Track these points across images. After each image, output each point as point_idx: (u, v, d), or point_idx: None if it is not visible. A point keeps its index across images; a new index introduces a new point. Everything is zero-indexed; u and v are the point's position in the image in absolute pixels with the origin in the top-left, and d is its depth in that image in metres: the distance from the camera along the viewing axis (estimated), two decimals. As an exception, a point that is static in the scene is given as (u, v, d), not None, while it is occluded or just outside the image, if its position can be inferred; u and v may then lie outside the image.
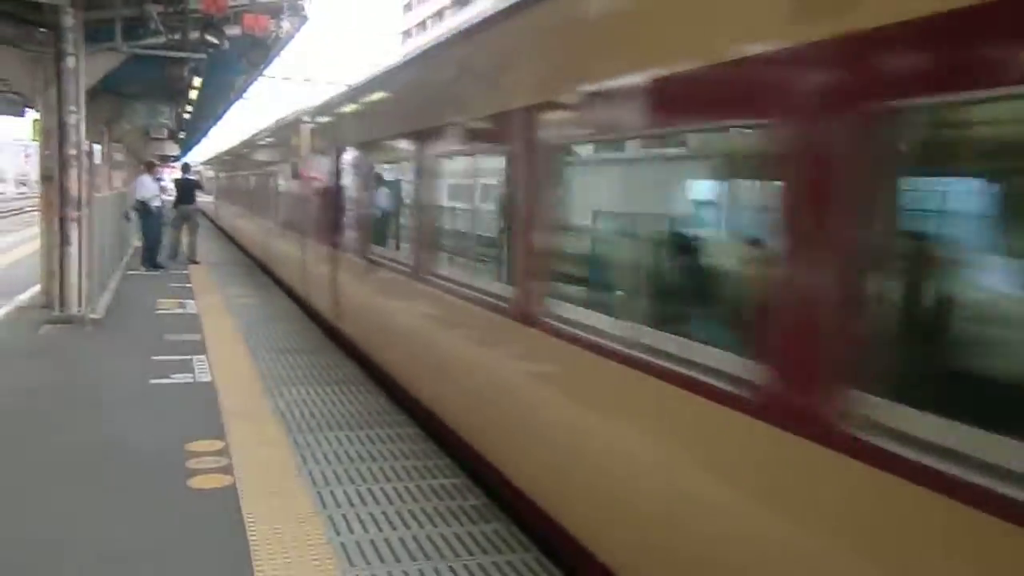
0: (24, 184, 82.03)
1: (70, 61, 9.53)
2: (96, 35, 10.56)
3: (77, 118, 9.77)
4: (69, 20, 9.42)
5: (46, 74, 10.14)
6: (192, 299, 12.30)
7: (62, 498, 4.77)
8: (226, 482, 5.01)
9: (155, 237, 16.21)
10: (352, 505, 4.73)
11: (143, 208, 15.67)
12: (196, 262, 16.91)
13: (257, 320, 10.75)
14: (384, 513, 4.63)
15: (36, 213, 25.27)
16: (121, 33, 10.71)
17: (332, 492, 4.91)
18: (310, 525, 4.43)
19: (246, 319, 10.76)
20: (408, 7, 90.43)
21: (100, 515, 4.56)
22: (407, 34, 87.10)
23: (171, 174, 26.40)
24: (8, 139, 69.18)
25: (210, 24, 10.05)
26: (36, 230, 17.66)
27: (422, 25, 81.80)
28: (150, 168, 17.00)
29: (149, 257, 15.98)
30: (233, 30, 10.51)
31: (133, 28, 10.91)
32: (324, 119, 10.33)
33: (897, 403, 2.22)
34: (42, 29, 10.06)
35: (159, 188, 16.77)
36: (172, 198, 17.99)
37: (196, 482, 5.01)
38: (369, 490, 4.96)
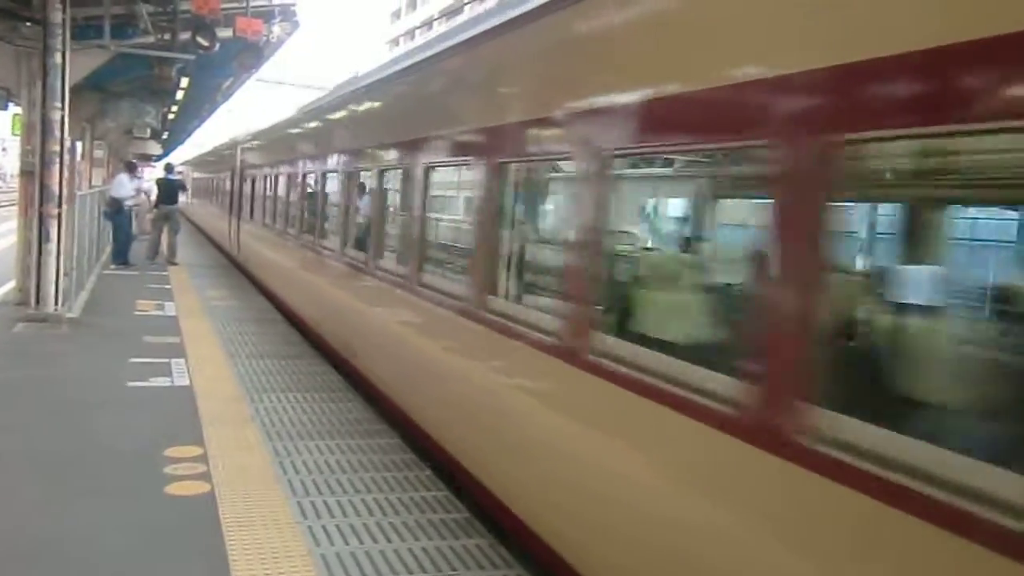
0: (0, 179, 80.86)
1: (57, 57, 9.42)
2: (84, 32, 10.49)
3: (61, 114, 9.66)
4: (58, 16, 9.32)
5: (31, 69, 10.04)
6: (171, 300, 12.16)
7: (35, 502, 4.68)
8: (204, 489, 4.94)
9: (126, 234, 16.33)
10: (332, 516, 4.68)
11: (116, 206, 15.58)
12: (175, 263, 16.75)
13: (236, 323, 10.65)
14: (365, 525, 4.59)
15: (11, 208, 24.70)
16: (110, 31, 10.62)
17: (312, 502, 4.85)
18: (290, 535, 4.38)
19: (225, 322, 10.65)
20: (396, 15, 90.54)
21: (74, 521, 4.47)
22: (394, 43, 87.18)
23: (151, 173, 25.69)
24: (-15, 132, 68.09)
25: (201, 26, 9.99)
26: (11, 225, 17.42)
27: (410, 34, 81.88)
28: (130, 168, 16.86)
29: (119, 253, 16.06)
30: (225, 33, 10.47)
31: (122, 26, 10.83)
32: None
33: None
34: (29, 24, 9.96)
35: (136, 189, 16.64)
36: (150, 197, 18.18)
37: (173, 489, 4.93)
38: (350, 501, 4.91)
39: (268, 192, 13.76)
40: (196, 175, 33.74)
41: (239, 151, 18.19)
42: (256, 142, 16.48)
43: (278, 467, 5.40)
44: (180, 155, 41.52)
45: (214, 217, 23.79)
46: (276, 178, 13.08)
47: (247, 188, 16.47)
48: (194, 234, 26.65)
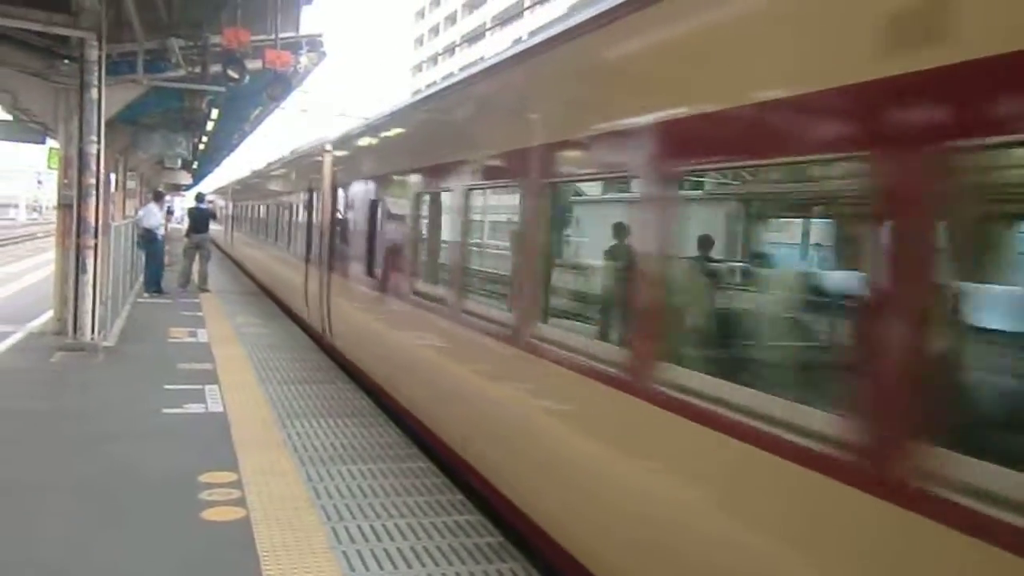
0: (36, 211, 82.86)
1: (93, 93, 9.70)
2: (119, 67, 10.78)
3: (97, 148, 9.91)
4: (94, 53, 9.61)
5: (69, 104, 10.32)
6: (203, 327, 12.33)
7: (74, 527, 4.76)
8: (240, 515, 4.99)
9: (159, 263, 16.61)
10: (367, 541, 4.70)
11: (149, 236, 15.92)
12: (206, 290, 17.00)
13: (267, 348, 10.77)
14: (399, 549, 4.60)
15: (47, 239, 25.18)
16: (143, 66, 10.91)
17: (346, 527, 4.88)
18: (325, 561, 4.41)
19: (256, 347, 10.79)
20: (419, 41, 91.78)
21: (114, 545, 4.54)
22: (418, 69, 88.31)
23: (181, 202, 26.04)
24: (22, 166, 69.93)
25: (231, 59, 10.23)
26: (47, 256, 17.83)
27: (433, 60, 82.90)
28: (157, 198, 17.50)
29: (152, 281, 16.34)
30: (254, 64, 10.71)
31: (155, 61, 11.12)
32: None
33: None
34: (66, 61, 10.26)
35: (164, 216, 17.12)
36: (181, 225, 18.45)
37: (210, 514, 4.99)
38: (383, 526, 4.94)
39: (425, 230, 7.43)
40: (236, 203, 26.18)
41: (329, 160, 11.15)
42: (373, 140, 9.47)
43: (312, 492, 5.45)
44: (211, 183, 41.82)
45: (274, 262, 16.45)
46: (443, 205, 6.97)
47: (359, 219, 9.28)
48: (224, 261, 26.44)
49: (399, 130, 8.65)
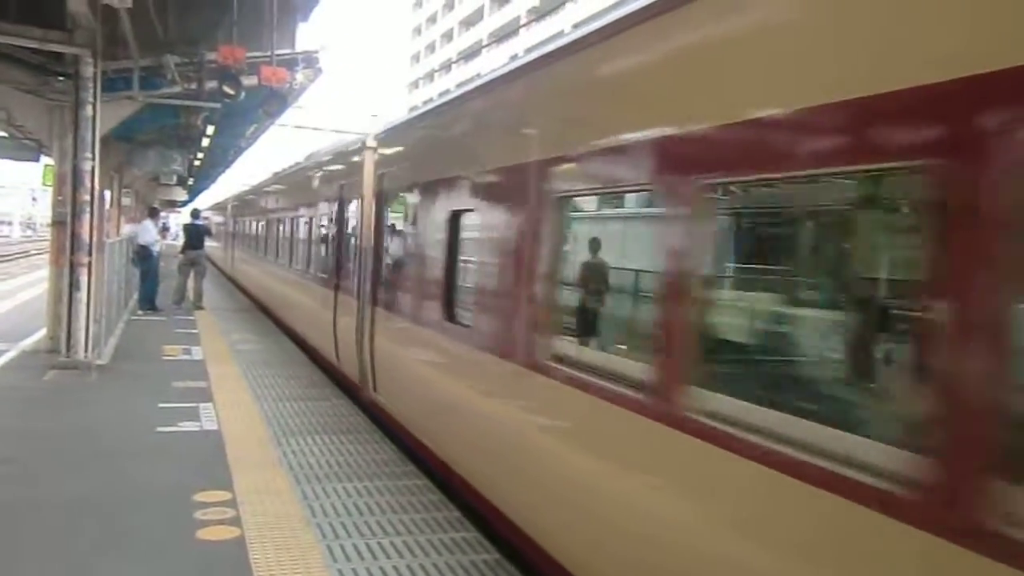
0: (30, 227, 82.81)
1: (88, 109, 9.69)
2: (114, 84, 10.78)
3: (92, 164, 9.89)
4: (89, 70, 9.61)
5: (63, 121, 10.31)
6: (198, 345, 12.27)
7: (67, 546, 4.70)
8: (234, 534, 4.93)
9: (154, 280, 16.55)
10: (363, 559, 4.65)
11: (144, 253, 15.89)
12: (201, 307, 16.94)
13: (262, 366, 10.72)
14: (395, 568, 4.55)
15: (41, 256, 25.05)
16: (139, 82, 10.92)
17: (342, 545, 4.83)
18: (320, 580, 4.36)
19: (251, 365, 10.73)
20: (415, 58, 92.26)
21: (107, 565, 4.48)
22: (414, 85, 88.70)
23: (177, 219, 26.04)
24: (17, 183, 69.94)
25: (227, 76, 10.24)
26: (41, 273, 17.76)
27: (429, 77, 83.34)
28: (152, 214, 17.55)
29: (147, 299, 16.28)
30: (250, 81, 10.72)
31: (150, 77, 11.13)
32: None
33: None
34: (61, 78, 10.26)
35: (159, 232, 17.16)
36: (175, 241, 18.47)
37: (204, 533, 4.93)
38: (379, 544, 4.88)
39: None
40: (238, 219, 23.25)
41: (371, 160, 8.69)
42: (448, 128, 6.87)
43: (307, 510, 5.39)
44: (207, 199, 41.67)
45: (286, 288, 13.93)
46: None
47: (423, 236, 6.89)
48: (218, 277, 26.30)
49: (496, 110, 5.69)
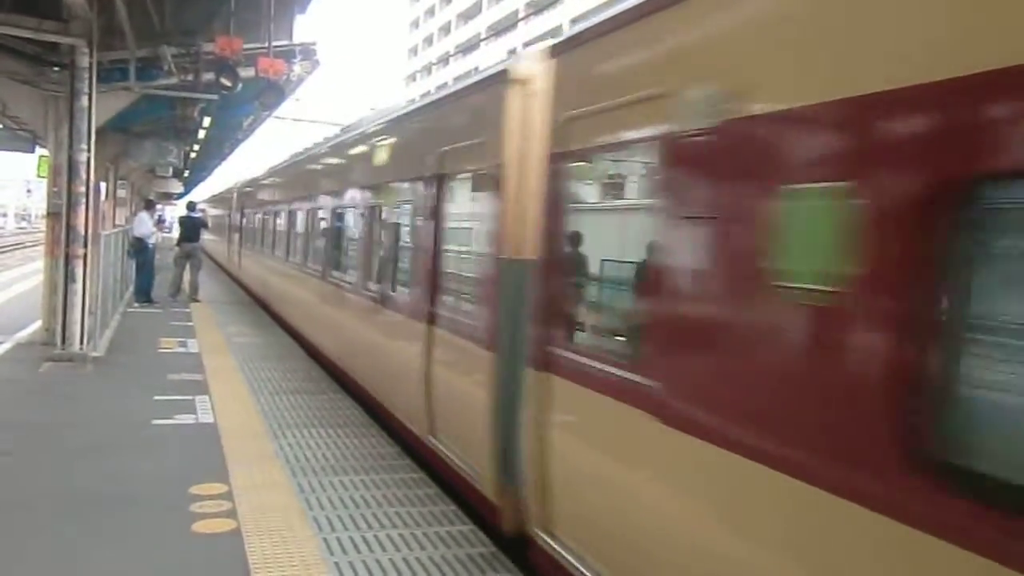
0: (25, 219, 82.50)
1: (84, 100, 9.63)
2: (110, 75, 10.72)
3: (87, 156, 9.85)
4: (85, 60, 9.55)
5: (58, 112, 10.26)
6: (194, 337, 12.24)
7: (63, 539, 4.68)
8: (231, 526, 4.92)
9: (149, 272, 16.50)
10: (359, 552, 4.64)
11: (139, 245, 15.84)
12: (197, 300, 16.91)
13: (258, 359, 10.69)
14: (392, 560, 4.55)
15: (36, 248, 24.98)
16: (135, 73, 10.86)
17: (338, 538, 4.82)
18: (317, 572, 4.35)
19: (247, 358, 10.70)
20: (413, 51, 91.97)
21: (103, 558, 4.46)
22: (411, 79, 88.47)
23: (173, 211, 25.97)
24: (12, 174, 69.70)
25: (224, 67, 10.19)
26: (36, 265, 17.70)
27: (427, 70, 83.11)
28: (148, 206, 17.48)
29: (142, 291, 16.24)
30: (247, 72, 10.67)
31: (147, 68, 11.07)
32: None
33: None
34: (57, 68, 10.20)
35: (155, 225, 17.11)
36: (170, 234, 18.43)
37: (200, 526, 4.91)
38: (376, 536, 4.88)
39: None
40: (248, 212, 19.88)
41: (534, 98, 4.58)
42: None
43: (303, 503, 5.38)
44: (204, 191, 41.35)
45: (329, 305, 10.05)
46: None
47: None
48: (215, 271, 26.18)
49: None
